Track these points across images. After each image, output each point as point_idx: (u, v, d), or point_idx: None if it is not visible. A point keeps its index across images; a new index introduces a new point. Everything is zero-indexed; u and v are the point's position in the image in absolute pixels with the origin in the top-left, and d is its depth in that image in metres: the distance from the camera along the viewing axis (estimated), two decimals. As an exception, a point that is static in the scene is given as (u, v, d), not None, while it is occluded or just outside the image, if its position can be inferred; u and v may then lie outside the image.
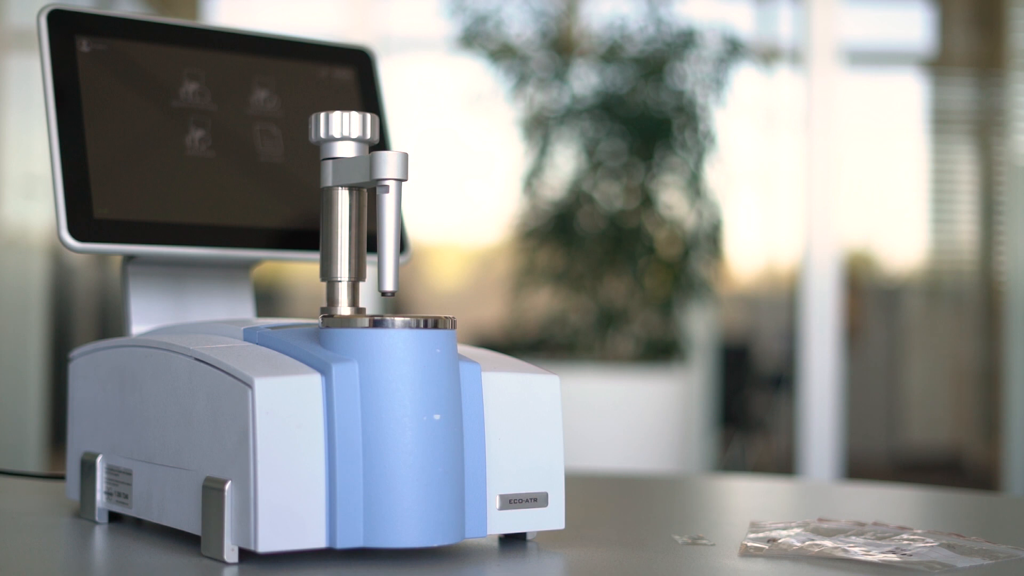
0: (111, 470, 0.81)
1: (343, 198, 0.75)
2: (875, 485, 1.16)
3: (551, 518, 0.76)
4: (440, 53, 4.33)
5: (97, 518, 0.83)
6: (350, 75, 0.97)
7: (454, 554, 0.74)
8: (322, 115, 0.75)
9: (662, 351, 3.55)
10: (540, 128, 3.62)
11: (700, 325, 3.96)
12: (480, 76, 3.70)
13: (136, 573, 0.70)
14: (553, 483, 0.76)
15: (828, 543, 0.76)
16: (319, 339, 0.72)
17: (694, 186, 3.59)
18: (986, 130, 5.49)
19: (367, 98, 0.97)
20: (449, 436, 0.70)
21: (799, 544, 0.76)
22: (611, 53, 3.60)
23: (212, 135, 0.89)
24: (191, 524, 0.73)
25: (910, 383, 5.80)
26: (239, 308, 0.92)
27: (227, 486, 0.69)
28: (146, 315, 0.88)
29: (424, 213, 4.86)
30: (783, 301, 4.82)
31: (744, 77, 3.82)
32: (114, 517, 0.84)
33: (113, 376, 0.82)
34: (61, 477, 0.94)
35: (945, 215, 5.61)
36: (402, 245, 0.90)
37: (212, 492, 0.70)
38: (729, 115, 3.69)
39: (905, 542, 0.77)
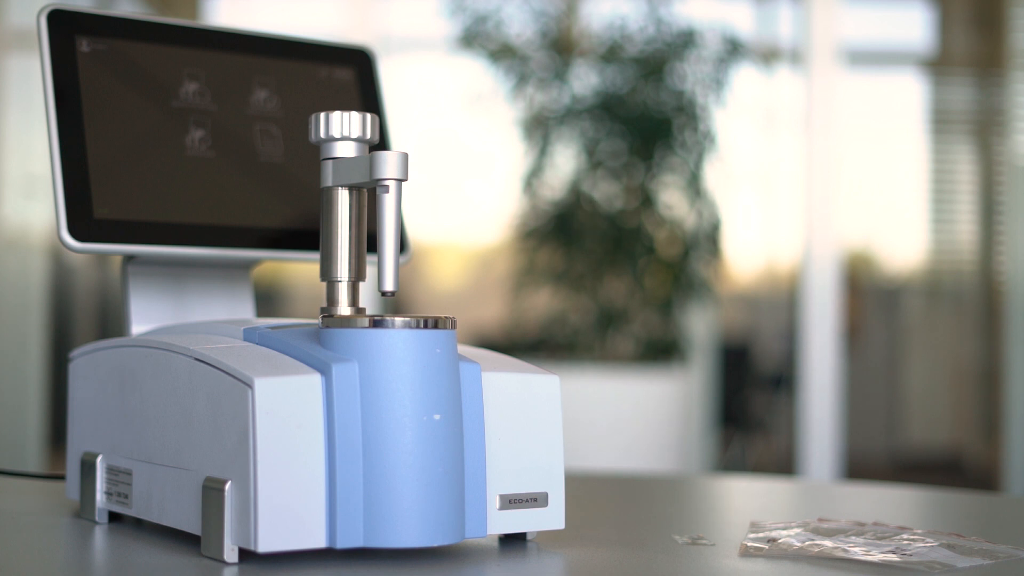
0: (111, 470, 0.81)
1: (343, 198, 0.75)
2: (875, 485, 1.16)
3: (551, 518, 0.76)
4: (440, 53, 4.34)
5: (97, 518, 0.83)
6: (350, 75, 0.97)
7: (454, 554, 0.74)
8: (322, 115, 0.75)
9: (662, 351, 3.55)
10: (540, 128, 3.62)
11: (700, 325, 3.96)
12: (480, 76, 3.70)
13: (136, 573, 0.70)
14: (553, 483, 0.76)
15: (828, 543, 0.76)
16: (319, 339, 0.72)
17: (694, 186, 3.59)
18: (986, 130, 5.49)
19: (367, 98, 0.97)
20: (449, 436, 0.70)
21: (799, 544, 0.76)
22: (611, 53, 3.60)
23: (212, 135, 0.89)
24: (191, 524, 0.73)
25: (910, 383, 5.80)
26: (239, 308, 0.92)
27: (227, 486, 0.69)
28: (146, 315, 0.88)
29: (424, 213, 4.86)
30: (783, 301, 4.82)
31: (744, 77, 3.82)
32: (114, 517, 0.84)
33: (113, 376, 0.82)
34: (61, 477, 0.94)
35: (945, 215, 5.61)
36: (402, 245, 0.90)
37: (212, 492, 0.70)
38: (729, 115, 3.69)
39: (905, 542, 0.77)
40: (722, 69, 3.61)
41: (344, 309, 0.75)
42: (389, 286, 0.72)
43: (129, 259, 0.88)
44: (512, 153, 3.76)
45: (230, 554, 0.70)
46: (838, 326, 3.74)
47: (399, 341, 0.69)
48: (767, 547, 0.76)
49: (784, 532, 0.80)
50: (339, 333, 0.70)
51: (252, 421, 0.67)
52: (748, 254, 5.18)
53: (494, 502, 0.74)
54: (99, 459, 0.83)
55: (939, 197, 5.57)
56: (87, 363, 0.85)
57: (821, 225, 3.76)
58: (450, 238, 5.51)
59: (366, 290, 0.77)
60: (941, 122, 5.57)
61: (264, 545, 0.67)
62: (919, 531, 0.82)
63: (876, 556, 0.73)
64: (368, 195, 0.77)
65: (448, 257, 5.67)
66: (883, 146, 5.49)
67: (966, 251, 5.63)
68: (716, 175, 3.65)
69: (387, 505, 0.68)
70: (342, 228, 0.75)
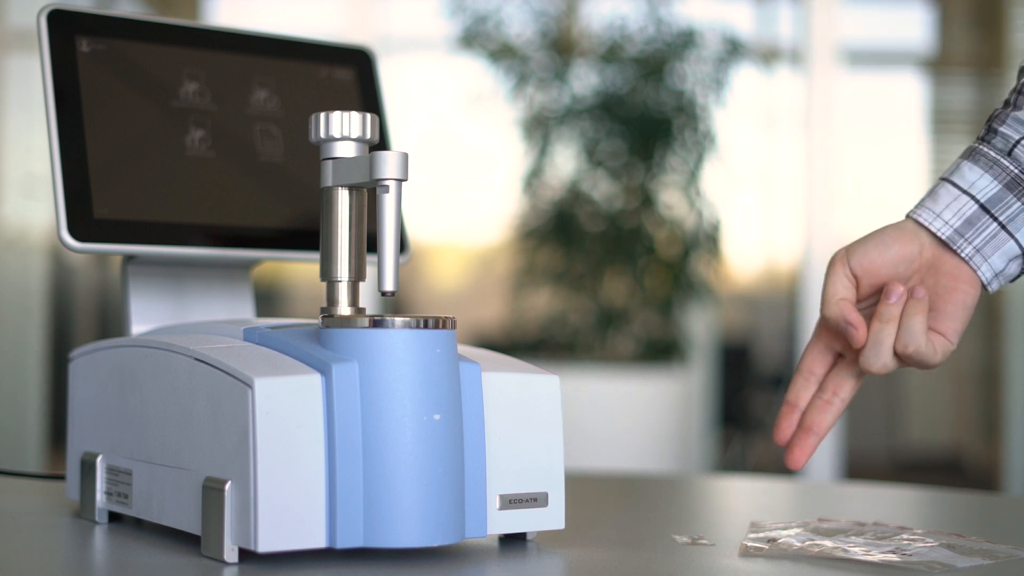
0: (111, 470, 0.81)
1: (343, 198, 0.75)
2: (875, 485, 1.16)
3: (551, 518, 0.76)
4: (440, 53, 4.34)
5: (97, 518, 0.83)
6: (350, 75, 0.97)
7: (454, 554, 0.74)
8: (322, 115, 0.75)
9: (662, 351, 3.56)
10: (540, 128, 3.62)
11: (700, 325, 3.96)
12: (480, 76, 3.70)
13: (136, 573, 0.70)
14: (553, 483, 0.76)
15: (828, 543, 0.76)
16: (319, 339, 0.72)
17: (694, 186, 3.59)
18: (986, 130, 5.48)
19: (367, 98, 0.97)
20: (449, 436, 0.70)
21: (799, 544, 0.76)
22: (611, 53, 3.60)
23: (212, 135, 0.89)
24: (191, 524, 0.73)
25: (910, 383, 5.80)
26: (239, 308, 0.92)
27: (227, 486, 0.69)
28: (146, 315, 0.88)
29: (424, 213, 4.86)
30: (783, 301, 4.82)
31: (744, 77, 3.82)
32: (114, 517, 0.84)
33: (113, 376, 0.82)
34: (61, 477, 0.94)
35: (945, 215, 5.60)
36: (402, 245, 0.90)
37: (212, 492, 0.70)
38: (729, 115, 3.69)
39: (905, 542, 0.77)
40: (722, 69, 3.61)
41: (344, 309, 0.75)
42: (389, 286, 0.72)
43: (129, 259, 0.88)
44: (512, 153, 3.76)
45: (230, 554, 0.70)
46: (838, 326, 3.73)
47: (399, 341, 0.69)
48: (767, 547, 0.76)
49: (784, 532, 0.80)
50: (339, 333, 0.70)
51: (252, 421, 0.67)
52: (748, 254, 5.18)
53: (494, 502, 0.74)
54: (99, 459, 0.83)
55: (939, 197, 5.55)
56: (87, 363, 0.85)
57: (821, 225, 3.76)
58: (450, 238, 5.51)
59: (366, 290, 0.77)
60: (941, 122, 5.57)
61: (264, 545, 0.67)
62: (919, 531, 0.82)
63: (876, 556, 0.73)
64: (368, 195, 0.77)
65: (448, 257, 5.67)
66: (883, 146, 5.49)
67: (966, 251, 5.62)
68: (716, 175, 3.65)
69: (387, 505, 0.68)
70: (342, 228, 0.75)
